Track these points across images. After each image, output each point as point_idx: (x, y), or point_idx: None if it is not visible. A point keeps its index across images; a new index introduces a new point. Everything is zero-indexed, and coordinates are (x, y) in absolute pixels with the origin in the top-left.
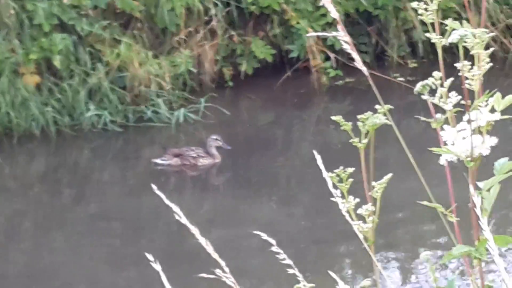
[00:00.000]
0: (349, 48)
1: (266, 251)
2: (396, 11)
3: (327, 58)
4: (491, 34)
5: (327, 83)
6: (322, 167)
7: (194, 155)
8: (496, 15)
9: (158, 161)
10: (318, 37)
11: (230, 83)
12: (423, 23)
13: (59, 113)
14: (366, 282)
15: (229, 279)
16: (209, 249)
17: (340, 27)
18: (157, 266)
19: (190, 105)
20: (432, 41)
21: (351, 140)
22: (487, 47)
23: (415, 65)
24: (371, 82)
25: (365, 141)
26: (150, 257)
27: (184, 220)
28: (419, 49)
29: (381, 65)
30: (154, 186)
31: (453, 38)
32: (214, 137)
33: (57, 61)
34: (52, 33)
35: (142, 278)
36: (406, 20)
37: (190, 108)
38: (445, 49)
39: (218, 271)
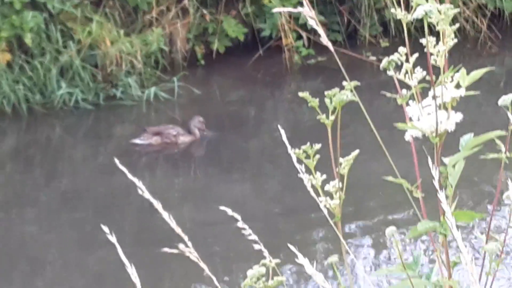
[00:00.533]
0: (313, 23)
1: (234, 228)
2: None
3: (299, 37)
4: (456, 10)
5: (299, 62)
6: (286, 141)
7: (174, 133)
8: None
9: (138, 141)
10: (290, 16)
11: (202, 62)
12: (394, 3)
13: (31, 91)
14: (334, 257)
15: (192, 254)
16: (172, 223)
17: (305, 1)
18: (113, 238)
19: (162, 84)
20: (398, 17)
21: (318, 117)
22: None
23: (387, 44)
24: (337, 59)
25: (332, 117)
26: (105, 229)
27: (147, 194)
28: (391, 28)
29: (353, 44)
30: (117, 161)
31: (418, 13)
32: (201, 119)
33: (28, 39)
34: (23, 11)
35: (111, 255)
36: None
37: (162, 86)
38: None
39: (181, 246)
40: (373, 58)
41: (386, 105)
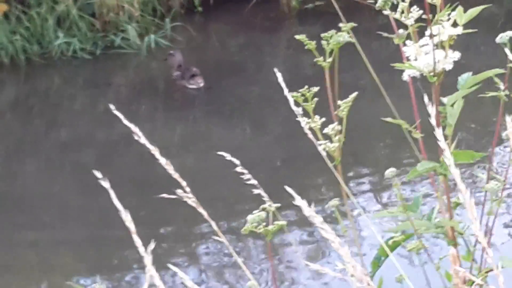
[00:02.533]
0: None
1: (234, 174)
2: None
3: None
4: None
5: (297, 6)
6: (283, 84)
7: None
8: None
9: (191, 86)
10: None
11: (200, 9)
12: None
13: (28, 42)
14: (334, 201)
15: (190, 199)
16: (170, 169)
17: None
18: (106, 184)
19: (161, 31)
20: None
21: (315, 60)
22: None
23: None
24: (334, 2)
25: (329, 60)
26: (98, 174)
27: (143, 140)
28: None
29: None
30: (112, 106)
31: None
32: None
33: None
34: None
35: (111, 204)
36: None
37: (162, 33)
38: None
39: (179, 191)
40: (371, 1)
41: (384, 49)
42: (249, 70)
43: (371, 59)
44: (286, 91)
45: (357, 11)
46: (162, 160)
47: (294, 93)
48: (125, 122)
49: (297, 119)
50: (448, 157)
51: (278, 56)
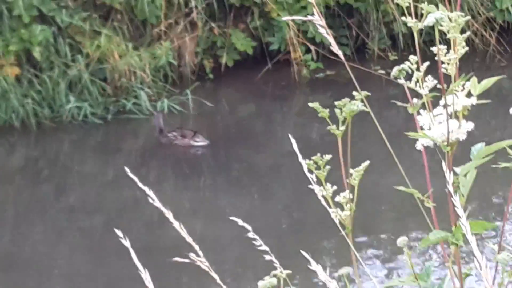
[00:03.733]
0: (324, 32)
1: (244, 239)
2: (377, 3)
3: (308, 51)
4: (467, 18)
5: (308, 75)
6: (297, 150)
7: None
8: (476, 8)
9: (197, 143)
10: (298, 29)
11: (211, 76)
12: (403, 15)
13: (39, 105)
14: (345, 269)
15: (203, 263)
16: (183, 232)
17: (315, 10)
18: (126, 243)
19: (173, 97)
20: (408, 25)
21: (328, 127)
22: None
23: (396, 57)
24: (349, 70)
25: (342, 128)
26: (119, 233)
27: (157, 203)
28: (399, 41)
29: (361, 58)
30: (127, 169)
31: (428, 21)
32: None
33: (36, 53)
34: (31, 24)
35: (121, 270)
36: (386, 12)
37: (173, 99)
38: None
39: (192, 255)
40: (382, 71)
41: (395, 118)
42: (258, 137)
43: (382, 128)
44: (300, 157)
45: (367, 80)
46: (176, 224)
47: (308, 161)
48: (140, 185)
49: (308, 186)
50: (464, 224)
51: (288, 124)
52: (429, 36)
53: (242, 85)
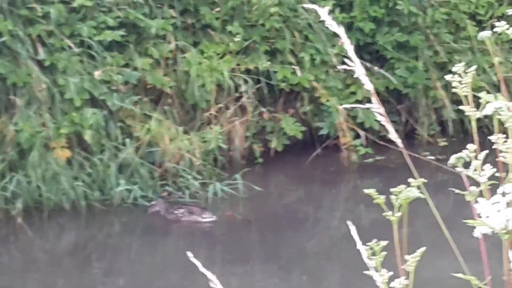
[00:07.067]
0: (383, 119)
1: None
2: (426, 89)
3: (357, 136)
4: None
5: (357, 161)
6: (356, 237)
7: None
8: None
9: (206, 219)
10: (348, 115)
11: (260, 160)
12: (453, 101)
13: (90, 188)
14: None
15: None
16: None
17: (374, 98)
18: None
19: (224, 181)
20: (466, 113)
21: (384, 214)
22: None
23: (445, 143)
24: (405, 154)
25: (398, 214)
26: (190, 254)
27: (219, 287)
28: (449, 127)
29: (411, 144)
30: (190, 254)
31: (488, 110)
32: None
33: (88, 136)
34: (83, 108)
35: None
36: (436, 98)
37: (225, 183)
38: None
39: None
40: (431, 157)
41: (445, 204)
42: (307, 222)
43: (431, 213)
44: (359, 244)
45: (417, 166)
46: None
47: (363, 247)
48: (202, 269)
49: (364, 272)
50: None
51: (337, 209)
52: (481, 122)
53: (291, 170)
